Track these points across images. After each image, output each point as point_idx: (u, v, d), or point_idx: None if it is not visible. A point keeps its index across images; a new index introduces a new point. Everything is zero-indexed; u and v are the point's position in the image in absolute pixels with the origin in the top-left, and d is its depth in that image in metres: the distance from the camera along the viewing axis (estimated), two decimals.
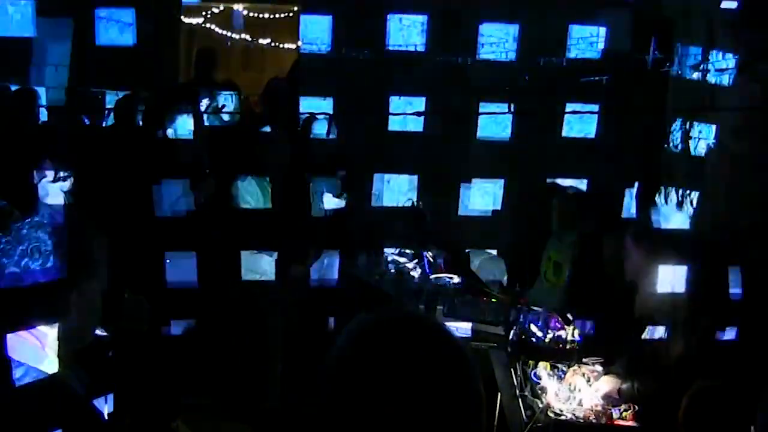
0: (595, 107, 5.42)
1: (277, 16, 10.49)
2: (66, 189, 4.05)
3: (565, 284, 4.65)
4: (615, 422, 3.11)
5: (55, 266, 1.59)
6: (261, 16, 10.50)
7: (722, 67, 4.50)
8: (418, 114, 4.78)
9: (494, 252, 5.53)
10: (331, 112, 5.07)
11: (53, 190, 4.07)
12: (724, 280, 3.25)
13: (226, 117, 5.06)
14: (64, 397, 1.59)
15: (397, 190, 5.57)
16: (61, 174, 4.08)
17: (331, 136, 4.74)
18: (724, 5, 4.56)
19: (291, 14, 10.13)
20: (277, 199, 3.86)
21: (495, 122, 5.42)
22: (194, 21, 10.02)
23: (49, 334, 1.61)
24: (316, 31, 4.76)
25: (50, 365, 1.59)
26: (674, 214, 4.96)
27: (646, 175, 5.47)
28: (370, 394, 1.17)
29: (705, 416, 2.44)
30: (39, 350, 1.58)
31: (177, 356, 4.25)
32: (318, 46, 5.16)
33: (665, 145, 5.40)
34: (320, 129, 4.65)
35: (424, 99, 5.29)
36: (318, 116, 4.61)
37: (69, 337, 1.63)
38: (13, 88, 4.77)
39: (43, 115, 4.89)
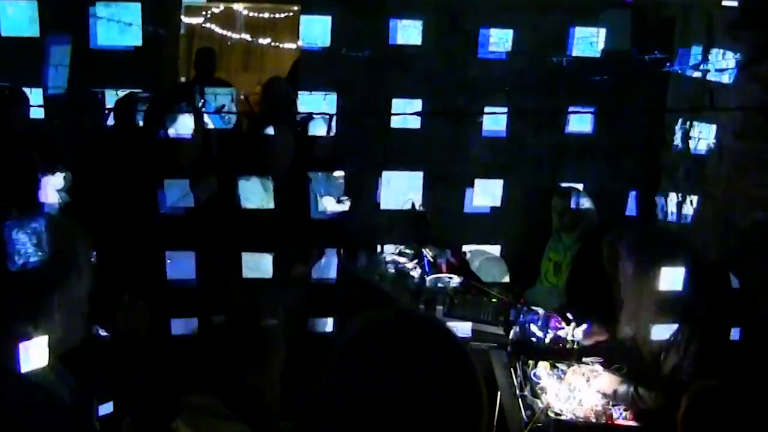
0: (594, 107, 5.41)
1: (277, 16, 10.48)
2: (60, 188, 4.05)
3: (565, 284, 4.65)
4: (615, 422, 3.11)
5: (36, 267, 1.57)
6: (261, 16, 10.49)
7: (722, 67, 4.49)
8: (419, 114, 4.77)
9: (495, 252, 5.53)
10: (331, 111, 5.07)
11: (48, 190, 4.06)
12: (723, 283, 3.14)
13: (225, 117, 5.06)
14: (46, 404, 1.57)
15: (397, 189, 5.55)
16: (55, 173, 4.08)
17: (331, 136, 4.74)
18: (724, 4, 4.56)
19: (291, 14, 10.12)
20: (278, 198, 3.86)
21: (495, 122, 5.41)
22: (194, 21, 10.02)
23: (32, 337, 1.58)
24: (316, 31, 4.76)
25: (29, 367, 1.56)
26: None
27: (646, 176, 5.47)
28: (371, 393, 1.18)
29: (705, 417, 2.44)
30: (23, 354, 1.56)
31: (177, 356, 4.25)
32: (318, 46, 5.15)
33: (665, 145, 5.39)
34: (320, 128, 4.64)
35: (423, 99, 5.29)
36: (318, 116, 4.61)
37: (52, 340, 1.61)
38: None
39: (41, 116, 4.88)
